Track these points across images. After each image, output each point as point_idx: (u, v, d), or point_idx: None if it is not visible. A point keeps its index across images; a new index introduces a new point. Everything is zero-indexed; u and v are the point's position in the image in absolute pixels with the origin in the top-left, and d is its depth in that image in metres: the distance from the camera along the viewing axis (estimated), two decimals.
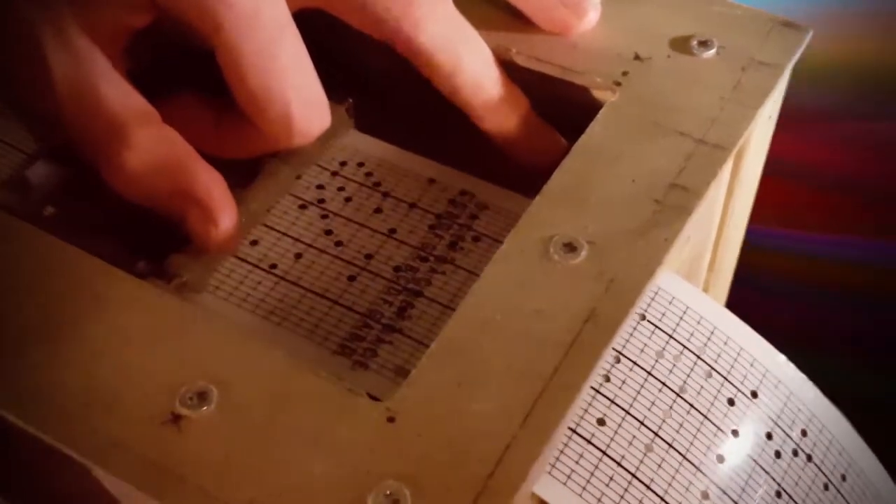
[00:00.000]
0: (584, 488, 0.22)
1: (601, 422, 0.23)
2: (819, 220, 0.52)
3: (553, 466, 0.22)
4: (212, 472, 0.20)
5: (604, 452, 0.23)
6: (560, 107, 0.28)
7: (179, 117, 0.27)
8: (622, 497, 0.22)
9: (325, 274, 0.27)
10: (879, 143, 0.51)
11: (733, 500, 0.23)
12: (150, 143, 0.26)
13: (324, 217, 0.28)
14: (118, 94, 0.26)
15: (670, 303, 0.25)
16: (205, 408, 0.21)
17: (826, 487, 0.25)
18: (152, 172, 0.26)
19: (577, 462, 0.22)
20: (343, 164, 0.29)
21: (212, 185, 0.26)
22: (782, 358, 0.25)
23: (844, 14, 0.51)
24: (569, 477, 0.22)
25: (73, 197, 0.28)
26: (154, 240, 0.26)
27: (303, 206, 0.28)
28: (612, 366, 0.23)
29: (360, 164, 0.29)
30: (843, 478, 0.25)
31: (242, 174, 0.28)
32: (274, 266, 0.27)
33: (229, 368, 0.22)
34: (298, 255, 0.27)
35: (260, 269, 0.27)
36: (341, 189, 0.28)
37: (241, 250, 0.27)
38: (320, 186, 0.29)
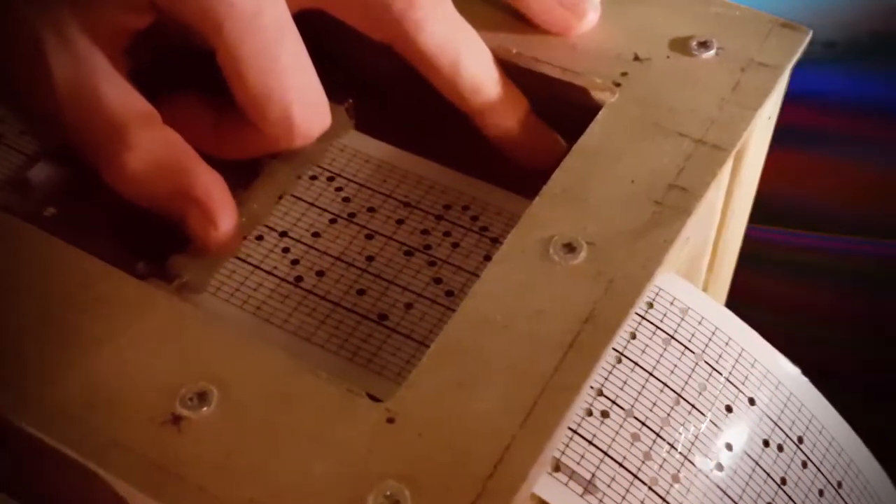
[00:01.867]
0: (585, 489, 0.22)
1: (603, 422, 0.23)
2: (821, 220, 0.52)
3: (556, 468, 0.22)
4: (212, 472, 0.20)
5: (605, 454, 0.23)
6: (560, 107, 0.28)
7: (179, 118, 0.27)
8: (623, 498, 0.22)
9: (328, 276, 0.27)
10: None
11: (733, 501, 0.23)
12: (150, 144, 0.26)
13: (332, 221, 0.28)
14: (118, 94, 0.26)
15: (671, 304, 0.25)
16: (205, 408, 0.21)
17: (821, 493, 0.25)
18: (152, 173, 0.26)
19: (577, 463, 0.22)
20: (449, 207, 0.28)
21: (212, 186, 0.26)
22: (783, 359, 0.25)
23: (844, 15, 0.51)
24: (570, 478, 0.22)
25: (74, 198, 0.28)
26: (154, 241, 0.26)
27: (303, 206, 0.28)
28: (613, 367, 0.24)
29: (466, 208, 0.28)
30: (839, 484, 0.25)
31: (243, 175, 0.28)
32: (275, 267, 0.27)
33: (229, 369, 0.22)
34: (299, 257, 0.27)
35: (260, 270, 0.27)
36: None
37: (242, 251, 0.27)
38: (346, 199, 0.29)
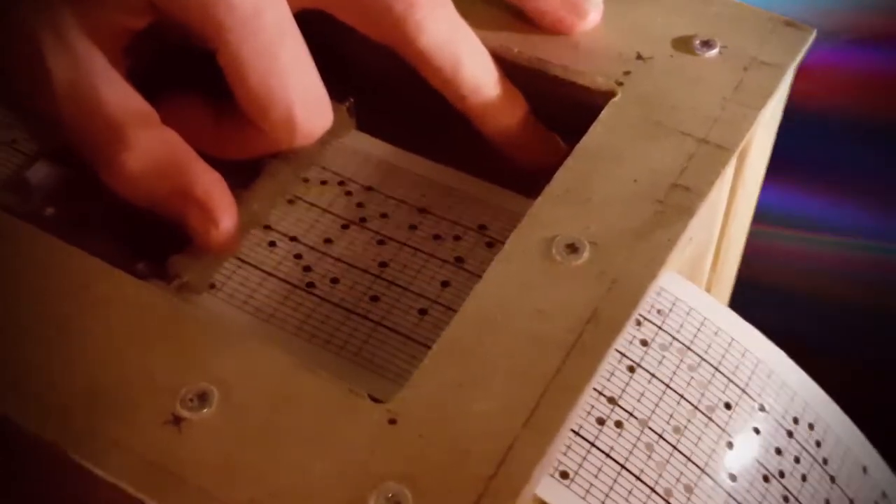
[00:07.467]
0: (587, 491, 0.22)
1: (601, 423, 0.23)
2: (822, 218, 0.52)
3: (558, 471, 0.22)
4: (212, 472, 0.20)
5: (618, 464, 0.22)
6: (562, 107, 0.28)
7: (180, 118, 0.27)
8: (627, 501, 0.22)
9: (329, 276, 0.27)
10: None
11: (737, 502, 0.23)
12: (149, 144, 0.26)
13: (344, 227, 0.28)
14: (117, 95, 0.26)
15: (674, 304, 0.25)
16: (205, 409, 0.21)
17: (833, 480, 0.25)
18: (152, 174, 0.26)
19: (595, 474, 0.22)
20: (452, 208, 0.28)
21: (211, 186, 0.26)
22: (786, 358, 0.25)
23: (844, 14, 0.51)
24: (587, 488, 0.22)
25: (74, 198, 0.28)
26: (154, 241, 0.26)
27: (307, 209, 0.28)
28: (616, 368, 0.23)
29: (468, 209, 0.28)
30: (847, 482, 0.25)
31: (243, 175, 0.28)
32: (275, 267, 0.27)
33: (230, 369, 0.22)
34: (300, 257, 0.27)
35: (260, 270, 0.27)
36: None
37: (242, 251, 0.27)
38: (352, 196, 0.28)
